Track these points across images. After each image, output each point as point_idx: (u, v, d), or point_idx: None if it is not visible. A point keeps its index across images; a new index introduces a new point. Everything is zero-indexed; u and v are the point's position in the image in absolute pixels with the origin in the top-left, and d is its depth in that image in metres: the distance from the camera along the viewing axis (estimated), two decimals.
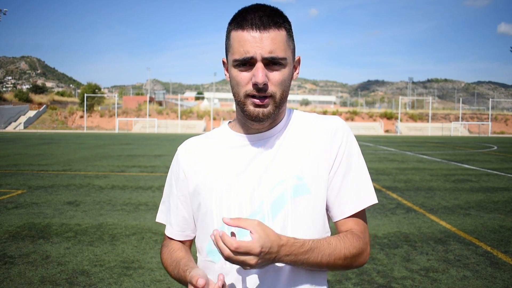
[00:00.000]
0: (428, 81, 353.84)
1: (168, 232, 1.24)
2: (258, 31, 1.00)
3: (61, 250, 4.65)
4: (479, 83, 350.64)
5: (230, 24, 1.07)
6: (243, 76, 1.03)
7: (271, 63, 1.02)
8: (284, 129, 1.15)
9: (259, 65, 1.00)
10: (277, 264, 1.05)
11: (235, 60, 1.03)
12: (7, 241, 4.98)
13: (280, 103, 1.06)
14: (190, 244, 1.26)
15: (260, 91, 1.02)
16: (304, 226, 1.08)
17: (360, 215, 1.12)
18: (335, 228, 1.15)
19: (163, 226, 5.82)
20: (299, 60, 1.15)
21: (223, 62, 1.14)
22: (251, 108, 1.04)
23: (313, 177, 1.09)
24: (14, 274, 3.92)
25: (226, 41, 1.09)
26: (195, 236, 1.23)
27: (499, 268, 4.20)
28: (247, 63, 1.02)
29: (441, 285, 3.77)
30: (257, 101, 1.03)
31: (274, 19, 1.02)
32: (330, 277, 3.96)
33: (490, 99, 69.70)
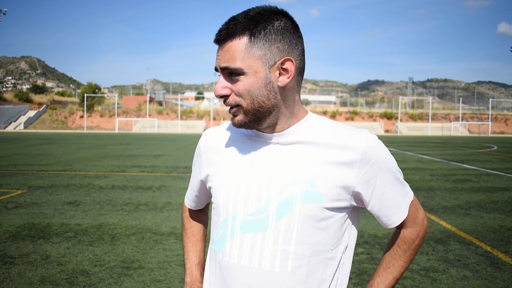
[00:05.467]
0: (428, 81, 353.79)
1: (185, 201, 1.41)
2: (218, 45, 1.04)
3: (61, 250, 4.65)
4: (479, 83, 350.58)
5: None
6: None
7: (231, 73, 1.03)
8: (300, 132, 1.09)
9: (220, 78, 1.05)
10: (279, 264, 1.05)
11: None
12: (7, 241, 4.98)
13: (252, 111, 1.04)
14: (207, 207, 1.44)
15: (225, 102, 1.06)
16: (310, 235, 1.05)
17: (409, 211, 1.15)
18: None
19: (163, 226, 5.84)
20: (283, 62, 1.03)
21: None
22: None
23: (328, 188, 1.04)
24: (14, 274, 3.92)
25: None
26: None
27: (499, 268, 4.20)
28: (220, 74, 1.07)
29: (441, 285, 3.77)
30: (231, 111, 1.08)
31: (233, 29, 1.01)
32: None
33: (490, 99, 69.64)
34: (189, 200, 1.37)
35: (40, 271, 4.00)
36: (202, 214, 1.42)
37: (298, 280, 1.05)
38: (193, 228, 1.38)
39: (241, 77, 1.02)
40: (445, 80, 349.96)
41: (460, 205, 7.31)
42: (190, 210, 1.41)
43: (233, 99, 1.04)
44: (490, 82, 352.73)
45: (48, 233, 5.31)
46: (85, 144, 24.63)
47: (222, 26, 1.03)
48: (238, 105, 1.05)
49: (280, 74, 1.04)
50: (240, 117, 1.06)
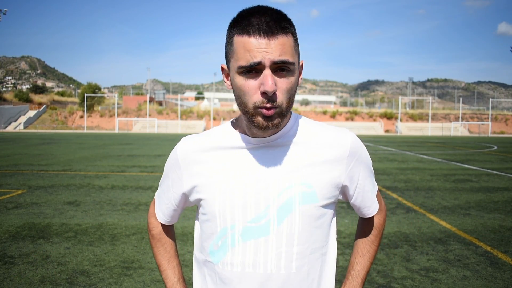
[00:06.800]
0: (428, 81, 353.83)
1: (158, 218, 1.29)
2: (266, 37, 0.93)
3: (61, 250, 4.65)
4: (479, 83, 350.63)
5: (232, 27, 0.98)
6: (250, 85, 0.96)
7: (279, 69, 0.95)
8: (291, 133, 1.09)
9: (268, 72, 0.93)
10: (284, 266, 1.06)
11: (240, 67, 0.95)
12: (7, 241, 4.98)
13: (286, 112, 1.00)
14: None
15: (269, 100, 0.95)
16: (310, 234, 1.08)
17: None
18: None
19: None
20: (302, 65, 1.07)
21: (222, 68, 1.07)
22: (260, 120, 0.98)
23: (322, 187, 1.07)
24: (14, 274, 3.92)
25: (227, 46, 1.00)
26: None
27: (499, 268, 4.20)
28: (253, 70, 0.95)
29: (441, 285, 3.77)
30: (266, 112, 0.96)
31: (281, 24, 0.94)
32: None
33: (490, 99, 69.64)
34: (164, 216, 1.27)
35: (40, 271, 4.00)
36: (172, 229, 1.34)
37: (302, 279, 1.08)
38: (166, 244, 1.30)
39: (289, 74, 0.97)
40: (445, 80, 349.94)
41: (460, 205, 7.30)
42: (162, 225, 1.32)
43: (279, 98, 0.96)
44: (490, 82, 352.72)
45: (48, 233, 5.31)
46: (85, 144, 24.63)
47: (264, 17, 0.94)
48: (278, 106, 0.97)
49: (299, 74, 1.06)
50: (277, 120, 0.99)
